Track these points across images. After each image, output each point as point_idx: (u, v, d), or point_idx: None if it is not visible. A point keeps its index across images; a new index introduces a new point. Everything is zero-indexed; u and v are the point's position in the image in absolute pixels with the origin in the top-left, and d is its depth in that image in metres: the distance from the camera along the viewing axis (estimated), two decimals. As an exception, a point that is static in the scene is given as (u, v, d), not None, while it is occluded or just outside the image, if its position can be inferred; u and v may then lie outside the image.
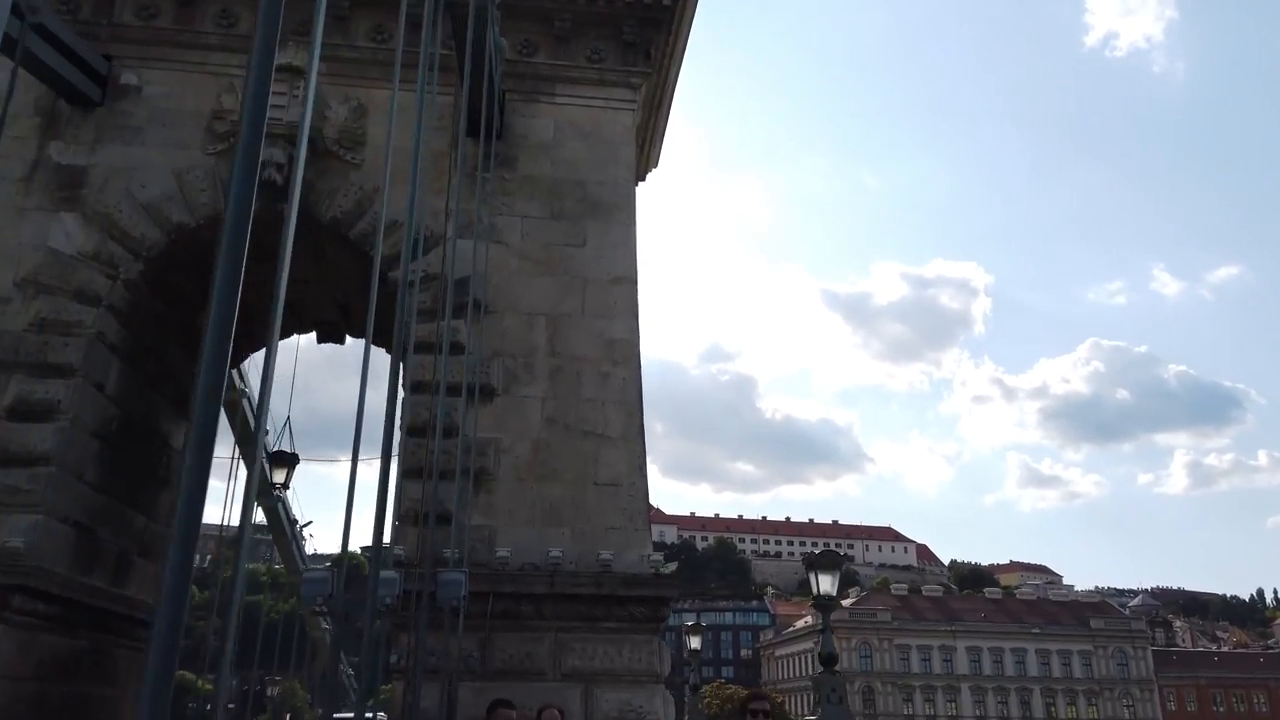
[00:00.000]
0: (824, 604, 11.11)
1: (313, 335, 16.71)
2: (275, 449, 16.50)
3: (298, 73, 12.68)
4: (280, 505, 22.97)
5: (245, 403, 17.71)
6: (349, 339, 16.86)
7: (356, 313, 15.68)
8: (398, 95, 13.30)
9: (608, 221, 13.12)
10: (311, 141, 12.60)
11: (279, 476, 16.00)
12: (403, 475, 11.48)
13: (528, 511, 11.50)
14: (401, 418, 11.74)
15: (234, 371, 18.19)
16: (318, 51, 4.79)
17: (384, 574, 6.91)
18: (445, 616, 8.81)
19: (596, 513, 11.57)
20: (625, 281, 12.83)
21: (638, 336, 12.60)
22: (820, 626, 14.07)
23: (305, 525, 23.14)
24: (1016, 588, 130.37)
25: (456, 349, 11.83)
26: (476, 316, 12.11)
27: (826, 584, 10.83)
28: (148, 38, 12.95)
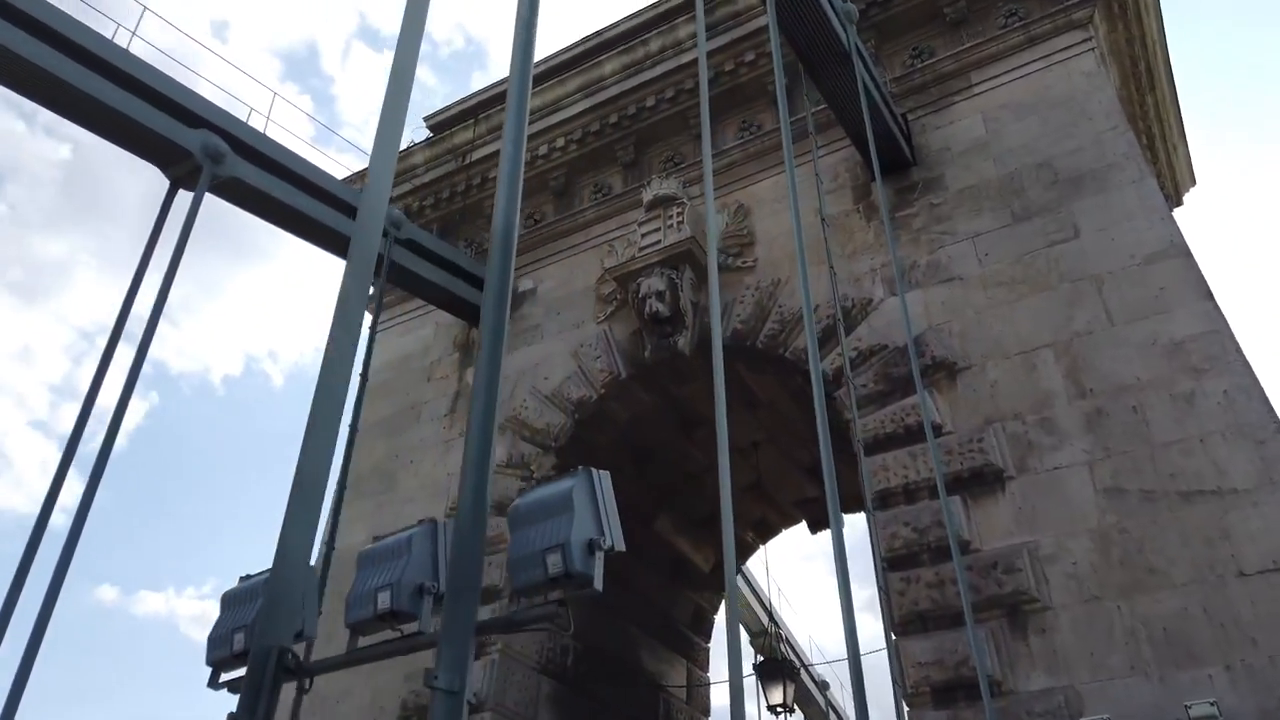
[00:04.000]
0: None
1: (801, 525, 13.53)
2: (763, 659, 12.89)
3: (671, 201, 10.93)
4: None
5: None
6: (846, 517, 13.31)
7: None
8: (781, 182, 10.84)
9: (1103, 191, 8.56)
10: (694, 262, 10.44)
11: (775, 695, 12.30)
12: (899, 631, 7.37)
13: (1124, 650, 6.42)
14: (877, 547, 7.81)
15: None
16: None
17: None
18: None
19: (1264, 627, 6.07)
20: (1167, 255, 7.91)
21: (1225, 323, 7.39)
22: None
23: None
24: None
25: (923, 433, 7.89)
26: (939, 379, 8.17)
27: None
28: (536, 242, 12.37)
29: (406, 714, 9.25)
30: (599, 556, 3.70)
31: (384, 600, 4.05)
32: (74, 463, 7.30)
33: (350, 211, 10.02)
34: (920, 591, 7.29)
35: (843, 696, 18.80)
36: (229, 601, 4.51)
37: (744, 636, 16.01)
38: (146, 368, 8.21)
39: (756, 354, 9.73)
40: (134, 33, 8.19)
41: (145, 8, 9.15)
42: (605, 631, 11.06)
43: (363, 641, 4.34)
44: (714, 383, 5.41)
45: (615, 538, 3.81)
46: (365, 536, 11.06)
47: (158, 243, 8.02)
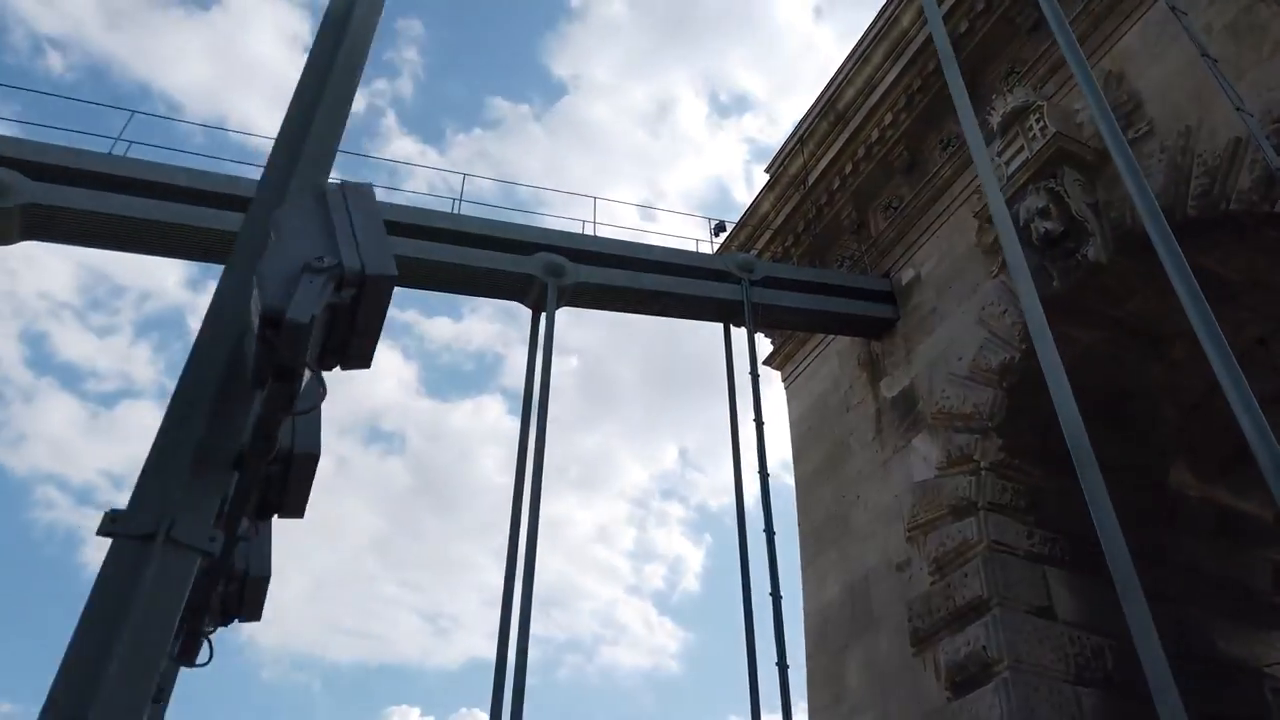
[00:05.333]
0: None
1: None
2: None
3: (1024, 111, 9.43)
4: None
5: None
6: None
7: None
8: (1151, 20, 9.05)
9: None
10: (1073, 159, 8.71)
11: None
12: None
13: None
14: None
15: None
16: None
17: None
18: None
19: None
20: None
21: None
22: None
23: None
24: None
25: None
26: None
27: None
28: (903, 228, 11.33)
29: None
30: (310, 281, 2.21)
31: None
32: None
33: (715, 275, 10.06)
34: None
35: None
36: None
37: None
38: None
39: (1196, 225, 7.63)
40: (460, 199, 9.15)
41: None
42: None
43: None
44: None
45: (366, 255, 2.34)
46: (840, 588, 10.50)
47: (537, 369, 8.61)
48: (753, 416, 9.20)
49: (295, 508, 2.68)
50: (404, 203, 9.52)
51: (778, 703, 8.00)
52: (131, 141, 8.11)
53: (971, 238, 10.07)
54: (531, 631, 7.05)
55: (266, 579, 2.91)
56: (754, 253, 12.95)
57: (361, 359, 2.45)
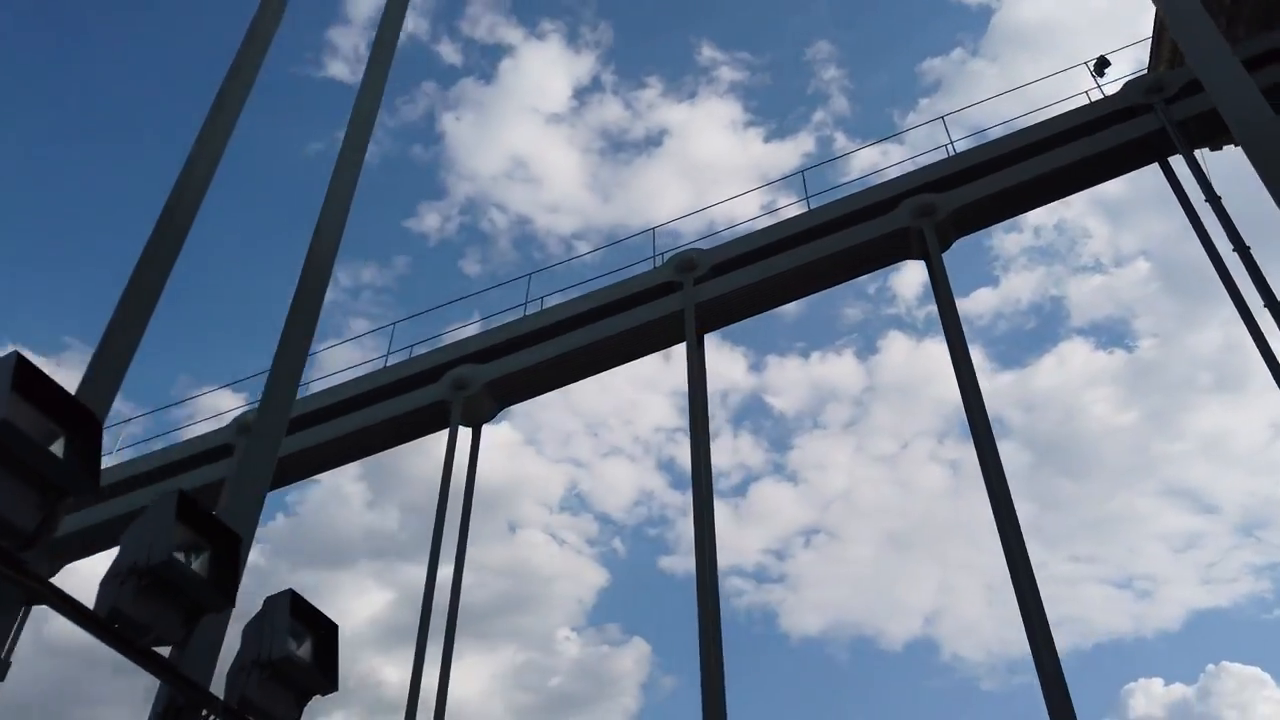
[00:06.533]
0: None
1: None
2: None
3: None
4: None
5: None
6: None
7: None
8: None
9: None
10: None
11: None
12: None
13: None
14: None
15: None
16: None
17: None
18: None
19: None
20: None
21: None
22: None
23: None
24: None
25: None
26: None
27: None
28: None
29: None
30: None
31: None
32: None
33: (1121, 116, 8.67)
34: None
35: None
36: None
37: None
38: None
39: None
40: (807, 196, 9.06)
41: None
42: None
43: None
44: None
45: None
46: None
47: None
48: (1232, 248, 7.34)
49: (219, 600, 3.34)
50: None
51: None
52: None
53: None
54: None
55: (291, 656, 3.23)
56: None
57: (79, 486, 3.36)
